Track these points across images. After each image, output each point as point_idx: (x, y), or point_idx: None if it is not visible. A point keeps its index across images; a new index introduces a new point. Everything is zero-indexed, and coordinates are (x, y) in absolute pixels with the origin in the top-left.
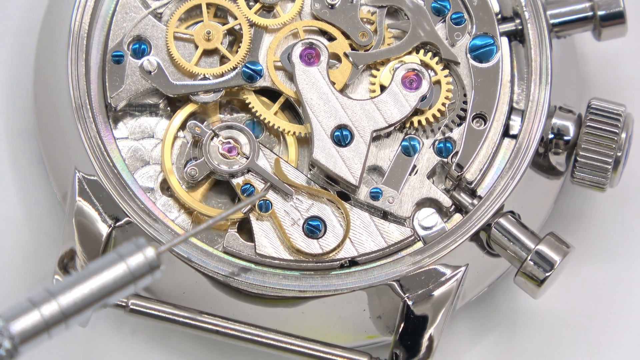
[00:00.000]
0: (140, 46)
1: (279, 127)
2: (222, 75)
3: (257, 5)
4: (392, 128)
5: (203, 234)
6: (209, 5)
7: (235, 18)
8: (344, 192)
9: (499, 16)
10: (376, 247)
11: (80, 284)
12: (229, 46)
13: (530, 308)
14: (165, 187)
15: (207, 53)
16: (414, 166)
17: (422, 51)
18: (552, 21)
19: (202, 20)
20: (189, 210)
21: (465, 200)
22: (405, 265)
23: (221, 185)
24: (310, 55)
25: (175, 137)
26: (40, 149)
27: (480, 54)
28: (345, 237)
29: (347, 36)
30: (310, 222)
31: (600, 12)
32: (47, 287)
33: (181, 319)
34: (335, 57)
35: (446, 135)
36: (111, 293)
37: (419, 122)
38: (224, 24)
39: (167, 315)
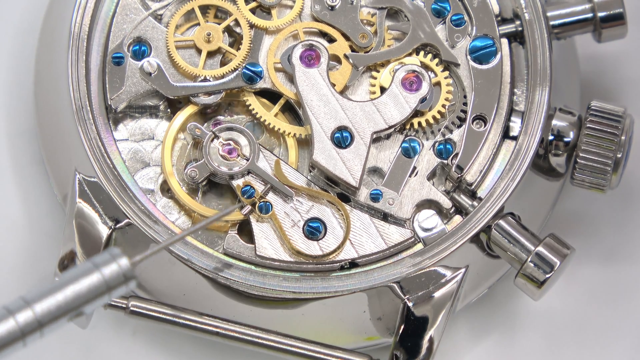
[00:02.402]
0: (141, 48)
1: (279, 129)
2: (222, 77)
3: (254, 4)
4: (392, 129)
5: (203, 234)
6: (208, 6)
7: (235, 17)
8: (344, 194)
9: (499, 18)
10: (376, 248)
11: (56, 293)
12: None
13: (531, 309)
14: (166, 189)
15: (208, 54)
16: (414, 168)
17: (422, 53)
18: (552, 23)
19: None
20: (189, 212)
21: (465, 202)
22: (406, 266)
23: (221, 187)
24: (310, 57)
25: (176, 139)
26: (40, 151)
27: (481, 55)
28: (345, 239)
29: (347, 38)
30: (310, 224)
31: (600, 14)
32: (22, 296)
33: (181, 321)
34: (335, 58)
35: (446, 136)
36: (86, 302)
37: (419, 123)
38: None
39: (168, 317)
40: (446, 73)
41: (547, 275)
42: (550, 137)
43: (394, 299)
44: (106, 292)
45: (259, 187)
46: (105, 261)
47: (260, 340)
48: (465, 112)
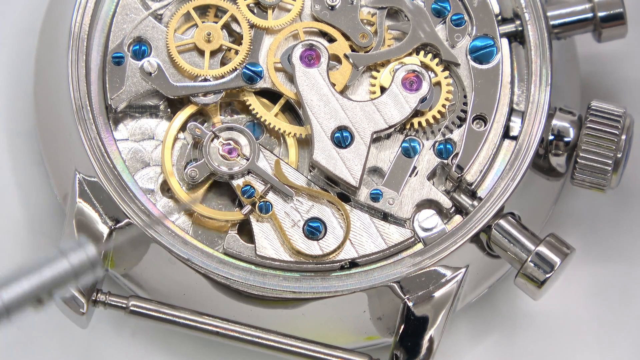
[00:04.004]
0: (141, 47)
1: (279, 129)
2: (222, 76)
3: (252, 0)
4: (392, 129)
5: (203, 234)
6: (209, 6)
7: (232, 17)
8: (344, 194)
9: (499, 17)
10: (376, 248)
11: (22, 278)
12: (228, 50)
13: (531, 309)
14: (166, 189)
15: (210, 54)
16: (414, 167)
17: (422, 52)
18: (552, 22)
19: (203, 23)
20: (189, 212)
21: (465, 202)
22: (406, 266)
23: (221, 187)
24: (310, 57)
25: (176, 139)
26: (40, 150)
27: (481, 55)
28: (345, 239)
29: (347, 37)
30: (310, 224)
31: (600, 14)
32: None
33: (181, 321)
34: (335, 58)
35: (446, 136)
36: (52, 287)
37: (419, 123)
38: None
39: (168, 317)
40: (446, 73)
41: (547, 275)
42: (551, 137)
43: (394, 299)
44: (73, 278)
45: (259, 186)
46: (71, 247)
47: (260, 340)
48: (465, 111)
